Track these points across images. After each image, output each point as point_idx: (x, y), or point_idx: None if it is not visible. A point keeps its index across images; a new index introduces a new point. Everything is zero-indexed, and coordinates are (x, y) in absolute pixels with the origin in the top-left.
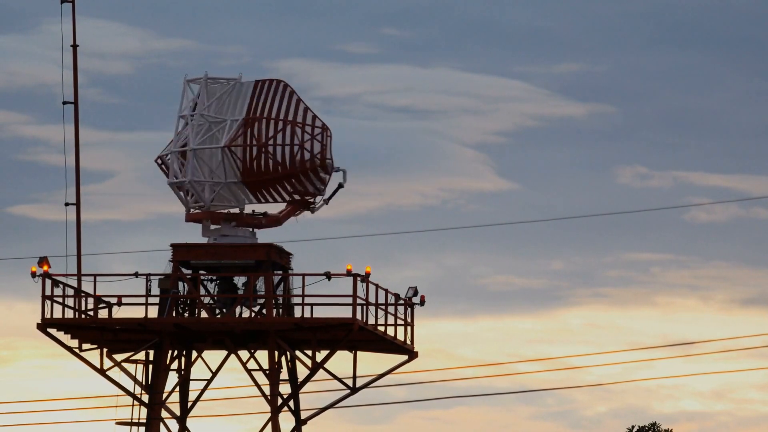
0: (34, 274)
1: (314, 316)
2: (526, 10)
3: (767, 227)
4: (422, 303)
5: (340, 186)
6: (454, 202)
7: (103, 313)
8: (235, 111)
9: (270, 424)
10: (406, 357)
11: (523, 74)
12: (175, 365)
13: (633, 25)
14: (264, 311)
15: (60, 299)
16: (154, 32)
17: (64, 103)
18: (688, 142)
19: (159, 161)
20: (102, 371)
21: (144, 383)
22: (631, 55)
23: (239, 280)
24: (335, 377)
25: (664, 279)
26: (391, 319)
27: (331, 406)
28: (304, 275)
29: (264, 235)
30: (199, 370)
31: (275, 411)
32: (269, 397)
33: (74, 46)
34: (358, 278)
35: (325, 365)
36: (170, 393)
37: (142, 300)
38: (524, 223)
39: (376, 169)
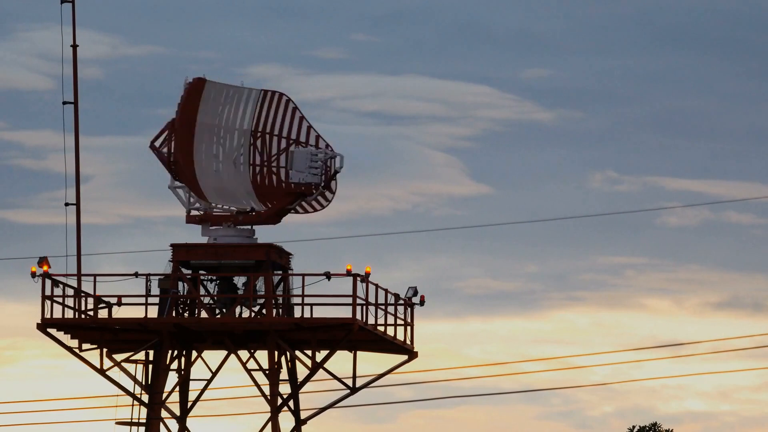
0: (34, 274)
1: (314, 316)
2: (497, 16)
3: (739, 231)
4: (422, 303)
5: (336, 172)
6: (425, 206)
7: (103, 313)
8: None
9: (270, 424)
10: (406, 357)
11: (493, 80)
12: (175, 365)
13: (606, 30)
14: (264, 311)
15: (60, 299)
16: (124, 38)
17: (64, 103)
18: (659, 146)
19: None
20: (102, 371)
21: (144, 383)
22: (603, 59)
23: (239, 280)
24: (335, 377)
25: (638, 282)
26: (391, 319)
27: (331, 406)
28: (304, 275)
29: (264, 235)
30: (199, 370)
31: (275, 411)
32: (269, 397)
33: (74, 46)
34: (358, 278)
35: (325, 365)
36: (170, 393)
37: (142, 300)
38: (505, 225)
39: (346, 173)
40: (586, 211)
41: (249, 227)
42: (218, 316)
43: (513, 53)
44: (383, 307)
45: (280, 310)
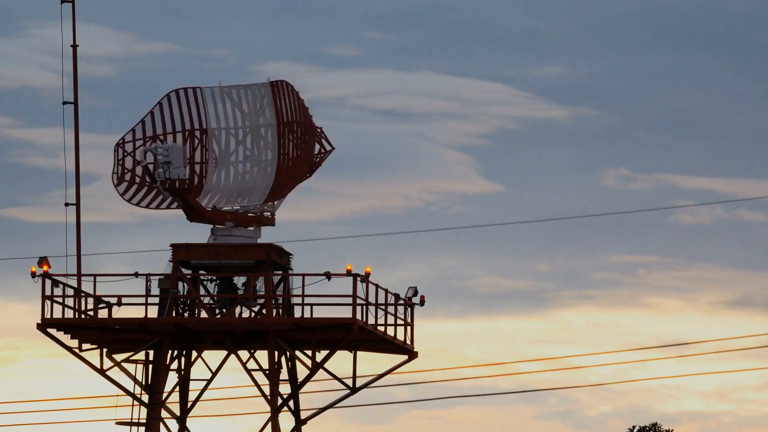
0: (34, 275)
1: (314, 316)
2: (512, 13)
3: (751, 229)
4: (422, 303)
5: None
6: (438, 204)
7: (103, 313)
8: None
9: (270, 424)
10: (406, 357)
11: (507, 77)
12: (175, 365)
13: (620, 27)
14: (264, 311)
15: (60, 299)
16: (138, 35)
17: (64, 103)
18: (673, 144)
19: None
20: (102, 371)
21: (144, 383)
22: (618, 57)
23: (239, 280)
24: (335, 377)
25: (649, 281)
26: (391, 319)
27: (331, 406)
28: (304, 275)
29: (264, 235)
30: (199, 370)
31: (275, 411)
32: (269, 397)
33: (74, 46)
34: (358, 278)
35: (325, 365)
36: (170, 393)
37: (142, 300)
38: (514, 224)
39: (359, 171)
40: (599, 210)
41: (252, 228)
42: (218, 316)
43: (527, 51)
44: (383, 307)
45: (280, 310)
